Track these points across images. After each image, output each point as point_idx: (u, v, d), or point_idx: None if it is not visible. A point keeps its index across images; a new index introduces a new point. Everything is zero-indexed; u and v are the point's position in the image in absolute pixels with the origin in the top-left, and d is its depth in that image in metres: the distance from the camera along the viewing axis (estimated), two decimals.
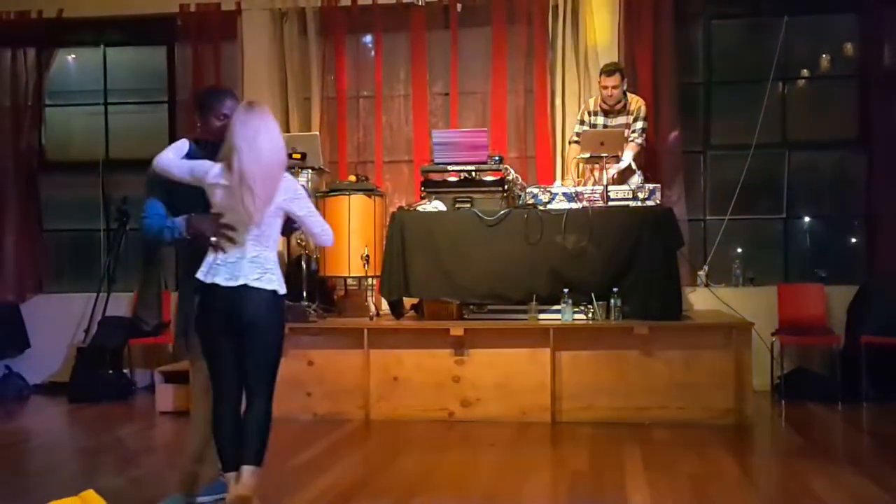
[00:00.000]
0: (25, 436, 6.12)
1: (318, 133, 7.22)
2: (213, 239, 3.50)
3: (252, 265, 3.49)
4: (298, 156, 6.60)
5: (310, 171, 6.69)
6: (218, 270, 3.49)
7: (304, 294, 6.46)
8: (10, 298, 7.74)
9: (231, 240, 3.49)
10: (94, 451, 5.46)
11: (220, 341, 3.53)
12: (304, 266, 6.61)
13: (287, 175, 3.57)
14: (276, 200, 3.50)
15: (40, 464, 5.19)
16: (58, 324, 7.58)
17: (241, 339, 3.50)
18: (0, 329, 7.46)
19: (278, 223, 3.57)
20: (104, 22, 7.82)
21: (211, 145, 3.63)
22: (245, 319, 3.47)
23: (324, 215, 6.39)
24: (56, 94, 8.16)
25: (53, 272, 8.16)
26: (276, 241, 3.60)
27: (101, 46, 8.06)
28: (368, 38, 7.70)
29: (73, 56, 8.27)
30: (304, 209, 3.60)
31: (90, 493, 3.37)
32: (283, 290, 3.56)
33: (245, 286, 3.47)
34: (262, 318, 3.50)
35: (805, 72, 7.58)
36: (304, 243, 6.76)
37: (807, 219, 7.58)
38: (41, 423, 6.55)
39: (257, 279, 3.49)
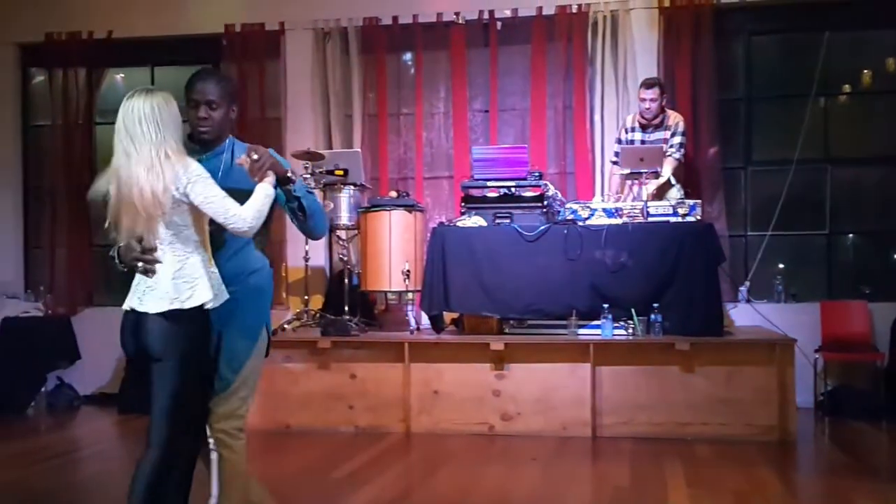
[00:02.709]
0: (76, 446, 6.26)
1: (359, 150, 7.32)
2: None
3: None
4: (341, 172, 6.70)
5: (352, 186, 6.78)
6: None
7: (346, 308, 6.53)
8: (62, 311, 7.95)
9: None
10: None
11: None
12: (346, 280, 6.69)
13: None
14: None
15: (90, 474, 5.31)
16: (108, 336, 7.54)
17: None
18: (52, 341, 7.63)
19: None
20: (152, 42, 8.00)
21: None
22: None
23: (365, 231, 6.66)
24: (106, 113, 8.32)
25: (103, 286, 8.34)
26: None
27: (149, 66, 8.25)
28: (409, 56, 7.80)
29: (122, 75, 8.46)
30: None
31: None
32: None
33: None
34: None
35: (847, 87, 7.54)
36: (345, 258, 6.85)
37: (850, 235, 7.52)
38: (91, 433, 6.69)
39: None
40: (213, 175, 3.08)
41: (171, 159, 2.95)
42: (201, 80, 3.23)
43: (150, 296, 3.01)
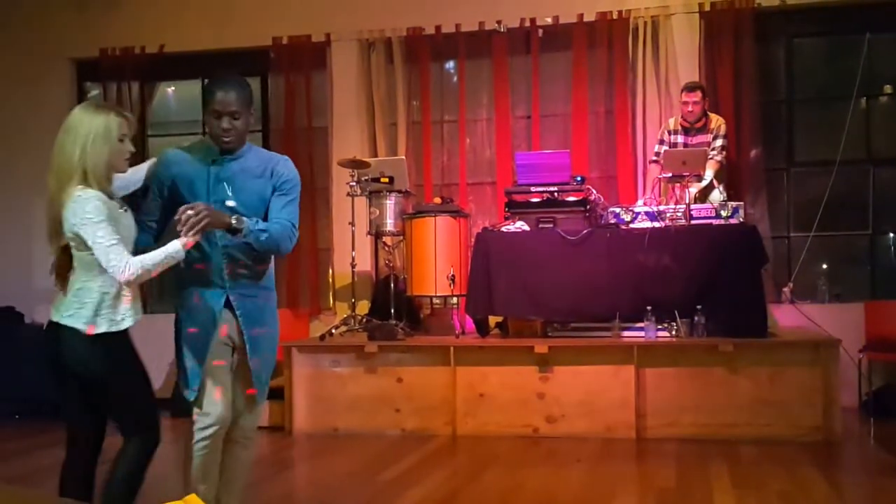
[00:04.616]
0: None
1: (404, 157, 7.44)
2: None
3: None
4: (386, 179, 6.84)
5: (397, 193, 6.92)
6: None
7: (392, 313, 6.66)
8: None
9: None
10: None
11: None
12: (392, 286, 6.82)
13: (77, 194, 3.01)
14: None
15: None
16: (161, 342, 7.81)
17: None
18: None
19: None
20: (202, 56, 8.19)
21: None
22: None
23: (410, 238, 6.78)
24: (158, 125, 8.58)
25: (157, 293, 8.56)
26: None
27: (200, 78, 8.46)
28: (452, 65, 7.92)
29: (173, 88, 8.68)
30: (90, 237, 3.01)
31: (193, 498, 3.53)
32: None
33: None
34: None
35: (888, 88, 7.50)
36: (391, 263, 6.99)
37: (892, 235, 7.46)
38: None
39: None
40: (227, 180, 3.26)
41: (74, 189, 2.98)
42: (223, 89, 3.19)
43: (58, 307, 3.12)
